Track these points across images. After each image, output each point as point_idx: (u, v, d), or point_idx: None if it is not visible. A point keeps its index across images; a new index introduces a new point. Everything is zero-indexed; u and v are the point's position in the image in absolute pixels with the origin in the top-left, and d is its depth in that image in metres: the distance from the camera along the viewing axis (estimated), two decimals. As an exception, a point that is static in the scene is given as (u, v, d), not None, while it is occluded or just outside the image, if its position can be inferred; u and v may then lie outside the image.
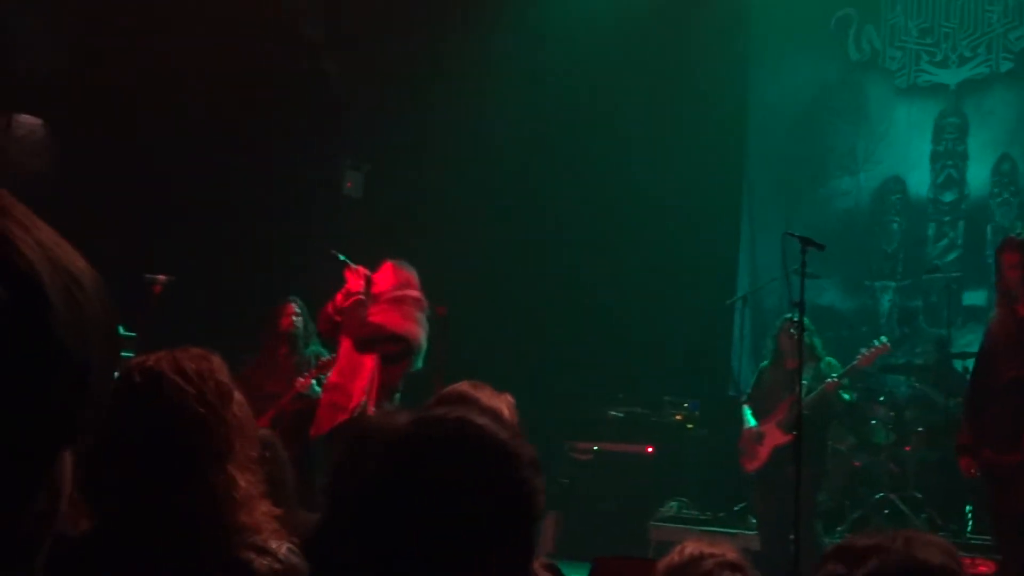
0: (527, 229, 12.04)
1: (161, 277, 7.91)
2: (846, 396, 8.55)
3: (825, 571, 1.86)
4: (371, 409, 7.03)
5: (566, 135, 12.21)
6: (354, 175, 11.86)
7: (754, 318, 11.61)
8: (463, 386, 3.00)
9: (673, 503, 10.59)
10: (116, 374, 2.05)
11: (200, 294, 9.12)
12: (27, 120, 10.02)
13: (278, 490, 2.66)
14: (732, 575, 2.34)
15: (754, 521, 9.60)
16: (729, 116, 12.68)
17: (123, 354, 8.49)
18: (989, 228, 11.44)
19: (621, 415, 11.31)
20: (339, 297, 7.54)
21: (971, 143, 11.72)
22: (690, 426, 11.24)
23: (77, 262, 1.11)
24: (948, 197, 11.79)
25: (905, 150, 12.12)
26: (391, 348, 7.29)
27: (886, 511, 9.37)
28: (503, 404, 2.96)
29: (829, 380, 8.29)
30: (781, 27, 12.87)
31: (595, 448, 10.88)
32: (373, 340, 7.26)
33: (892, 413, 9.89)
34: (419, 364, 7.44)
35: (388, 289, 7.46)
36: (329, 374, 7.69)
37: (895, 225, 12.09)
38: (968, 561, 8.15)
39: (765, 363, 8.99)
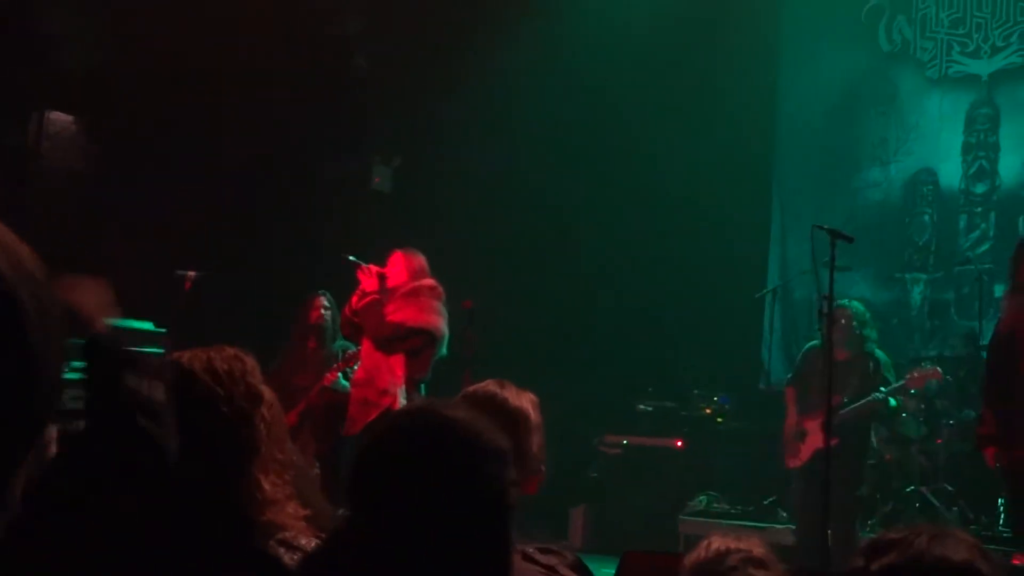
0: (556, 223, 12.03)
1: (191, 272, 7.95)
2: (892, 402, 8.49)
3: (850, 566, 1.87)
4: (401, 403, 7.08)
5: (595, 129, 12.19)
6: (382, 170, 11.89)
7: (784, 311, 11.57)
8: (489, 385, 3.00)
9: (703, 497, 10.57)
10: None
11: (230, 289, 9.17)
12: (59, 117, 10.09)
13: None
14: (757, 571, 2.34)
15: (784, 515, 9.57)
16: (759, 108, 12.62)
17: (153, 350, 8.58)
18: (1021, 220, 11.34)
19: (651, 409, 11.30)
20: (354, 299, 7.61)
21: (1003, 134, 11.62)
22: (720, 420, 11.22)
23: (30, 258, 1.19)
24: (980, 188, 11.70)
25: (936, 141, 12.03)
26: (414, 343, 7.36)
27: (917, 504, 9.32)
28: (527, 402, 2.95)
29: (874, 400, 8.22)
30: (812, 18, 12.81)
31: (624, 442, 10.87)
32: (395, 338, 7.35)
33: (923, 406, 9.83)
34: (443, 351, 7.52)
35: (403, 282, 7.52)
36: (356, 370, 7.75)
37: (926, 217, 12.01)
38: (1001, 554, 8.10)
39: (814, 343, 8.74)
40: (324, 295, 8.52)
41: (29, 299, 1.14)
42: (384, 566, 1.80)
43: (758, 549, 2.40)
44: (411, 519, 1.80)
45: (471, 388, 2.98)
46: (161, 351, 8.14)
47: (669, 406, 11.30)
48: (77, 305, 2.01)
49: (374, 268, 7.59)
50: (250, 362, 2.51)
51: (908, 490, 9.48)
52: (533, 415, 2.92)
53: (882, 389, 8.27)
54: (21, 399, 1.10)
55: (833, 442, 7.53)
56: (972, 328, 10.27)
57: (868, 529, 8.84)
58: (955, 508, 9.22)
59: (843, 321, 8.12)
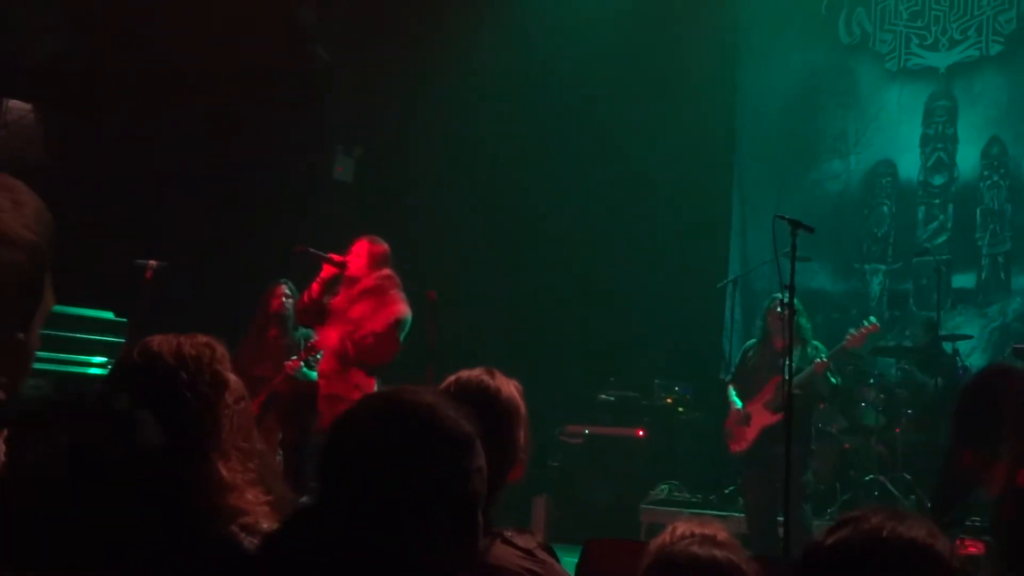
0: (518, 214, 12.04)
1: (152, 262, 7.89)
2: (833, 379, 8.56)
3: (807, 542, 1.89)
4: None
5: (556, 121, 12.20)
6: (345, 160, 11.85)
7: (744, 301, 11.64)
8: (481, 374, 2.97)
9: (664, 486, 10.62)
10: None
11: (191, 279, 9.12)
12: (17, 105, 9.99)
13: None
14: (720, 551, 2.37)
15: (742, 502, 9.65)
16: (720, 100, 12.68)
17: (113, 339, 8.51)
18: (978, 211, 11.46)
19: (612, 399, 11.33)
20: (315, 286, 7.62)
21: (961, 126, 11.73)
22: (681, 409, 11.27)
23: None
24: (938, 180, 11.80)
25: (895, 133, 12.13)
26: (394, 335, 7.46)
27: (876, 493, 9.40)
28: (515, 390, 2.95)
29: (818, 361, 8.29)
30: (772, 10, 12.88)
31: (586, 432, 10.90)
32: (384, 340, 7.41)
33: (882, 396, 9.91)
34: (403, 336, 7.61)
35: (361, 269, 7.54)
36: (320, 360, 7.73)
37: (885, 208, 12.11)
38: (957, 542, 8.18)
39: (752, 341, 8.98)
40: (286, 283, 8.48)
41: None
42: (344, 548, 1.80)
43: (722, 534, 2.42)
44: (372, 502, 1.80)
45: (461, 375, 2.96)
46: (122, 340, 8.11)
47: (631, 396, 11.33)
48: None
49: (334, 256, 7.60)
50: (220, 350, 2.52)
51: (867, 479, 9.56)
52: (522, 404, 2.92)
53: (822, 356, 8.33)
54: None
55: (778, 417, 7.61)
56: (931, 318, 10.36)
57: (828, 517, 8.91)
58: (912, 496, 9.31)
59: (778, 310, 8.24)
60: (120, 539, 2.24)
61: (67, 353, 8.52)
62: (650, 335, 11.94)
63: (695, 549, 2.34)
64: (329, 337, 7.59)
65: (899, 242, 11.93)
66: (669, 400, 11.30)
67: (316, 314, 7.66)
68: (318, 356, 7.87)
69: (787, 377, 6.69)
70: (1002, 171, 11.40)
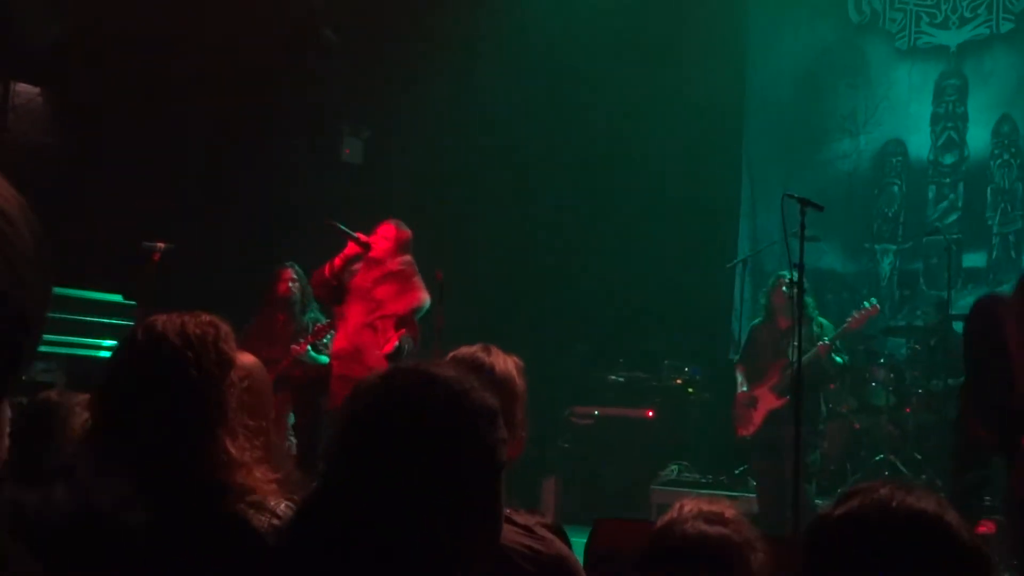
0: (527, 195, 12.03)
1: (160, 244, 7.88)
2: (839, 359, 8.55)
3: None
4: None
5: (564, 102, 12.18)
6: (353, 142, 11.84)
7: (754, 282, 11.61)
8: (476, 351, 2.98)
9: (674, 466, 10.62)
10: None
11: (199, 261, 9.12)
12: (25, 88, 9.99)
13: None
14: (728, 527, 2.36)
15: (754, 484, 9.64)
16: (729, 80, 12.62)
17: (121, 322, 8.51)
18: (989, 190, 11.42)
19: (622, 380, 11.34)
20: (337, 261, 7.62)
21: (971, 105, 11.68)
22: (691, 390, 11.26)
23: (2, 191, 1.13)
24: (948, 159, 11.76)
25: (905, 112, 12.08)
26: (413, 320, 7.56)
27: (886, 472, 9.39)
28: (513, 368, 2.94)
29: (821, 343, 8.28)
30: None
31: (596, 413, 10.91)
32: (407, 319, 7.49)
33: (892, 375, 9.90)
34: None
35: (386, 252, 7.56)
36: (333, 339, 7.75)
37: (895, 188, 12.07)
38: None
39: (757, 320, 8.99)
40: (292, 267, 8.47)
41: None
42: (376, 523, 1.79)
43: (729, 511, 2.42)
44: (401, 477, 1.78)
45: (458, 352, 2.97)
46: (131, 323, 8.11)
47: (640, 377, 11.33)
48: None
49: (360, 236, 7.61)
50: (224, 328, 2.52)
51: (877, 459, 9.55)
52: (519, 381, 2.92)
53: (826, 339, 8.33)
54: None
55: (784, 401, 7.61)
56: (941, 297, 10.34)
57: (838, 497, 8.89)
58: (923, 476, 9.30)
59: (783, 289, 8.25)
60: (132, 519, 2.24)
61: (76, 336, 8.53)
62: (660, 316, 11.92)
63: (702, 526, 2.34)
64: (352, 314, 7.61)
65: (909, 222, 11.89)
66: (679, 381, 11.29)
67: (333, 289, 7.69)
68: (326, 340, 7.87)
69: (796, 356, 6.68)
70: (1013, 150, 11.35)
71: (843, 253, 12.00)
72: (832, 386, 9.49)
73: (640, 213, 12.12)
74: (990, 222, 11.38)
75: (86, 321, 8.63)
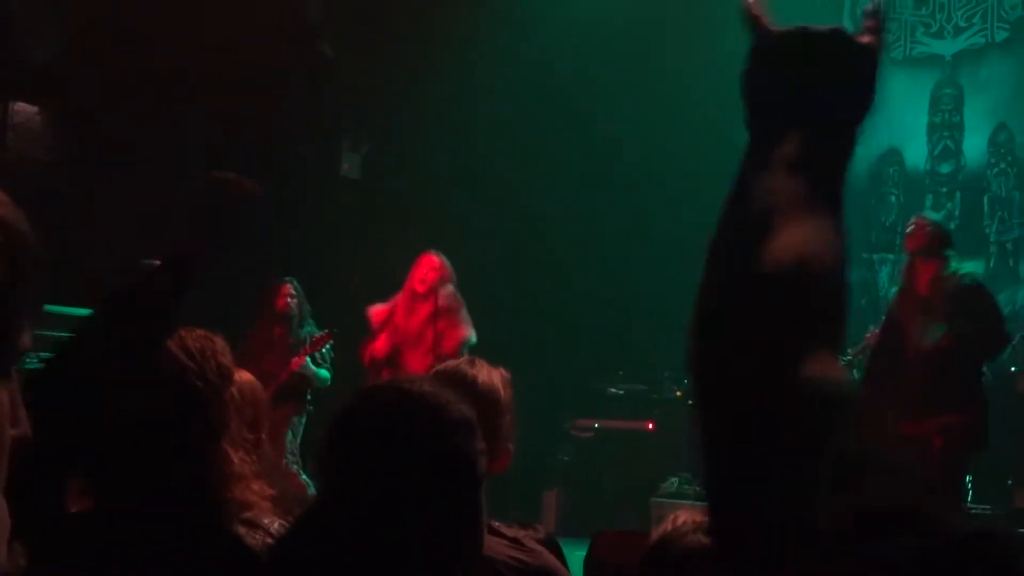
0: (526, 208, 12.03)
1: (158, 262, 7.88)
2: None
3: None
4: None
5: (562, 114, 12.18)
6: (351, 157, 11.86)
7: (754, 293, 11.62)
8: (461, 364, 3.00)
9: (674, 479, 10.60)
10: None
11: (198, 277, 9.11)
12: (23, 107, 10.01)
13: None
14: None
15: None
16: (726, 89, 12.49)
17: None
18: (986, 199, 11.44)
19: (622, 392, 11.34)
20: (380, 347, 7.59)
21: (968, 114, 11.71)
22: (691, 401, 11.24)
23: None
24: (945, 168, 11.78)
25: (902, 122, 12.10)
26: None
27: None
28: (498, 380, 2.96)
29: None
30: (776, 1, 12.84)
31: (596, 425, 10.91)
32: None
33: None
34: None
35: (433, 285, 7.54)
36: (331, 352, 7.77)
37: (893, 197, 12.10)
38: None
39: None
40: (291, 282, 8.49)
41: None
42: (358, 541, 1.81)
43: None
44: (383, 492, 1.80)
45: (442, 366, 2.99)
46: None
47: (640, 389, 11.34)
48: None
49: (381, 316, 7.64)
50: (219, 342, 2.56)
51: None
52: (503, 392, 2.93)
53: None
54: None
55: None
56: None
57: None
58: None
59: None
60: (130, 532, 2.26)
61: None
62: (659, 328, 11.90)
63: (698, 538, 2.35)
64: (411, 362, 7.57)
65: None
66: (679, 393, 11.29)
67: (388, 362, 7.68)
68: (325, 351, 7.89)
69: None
70: (1009, 158, 11.37)
71: (842, 264, 12.00)
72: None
73: (639, 223, 12.13)
74: (987, 231, 11.40)
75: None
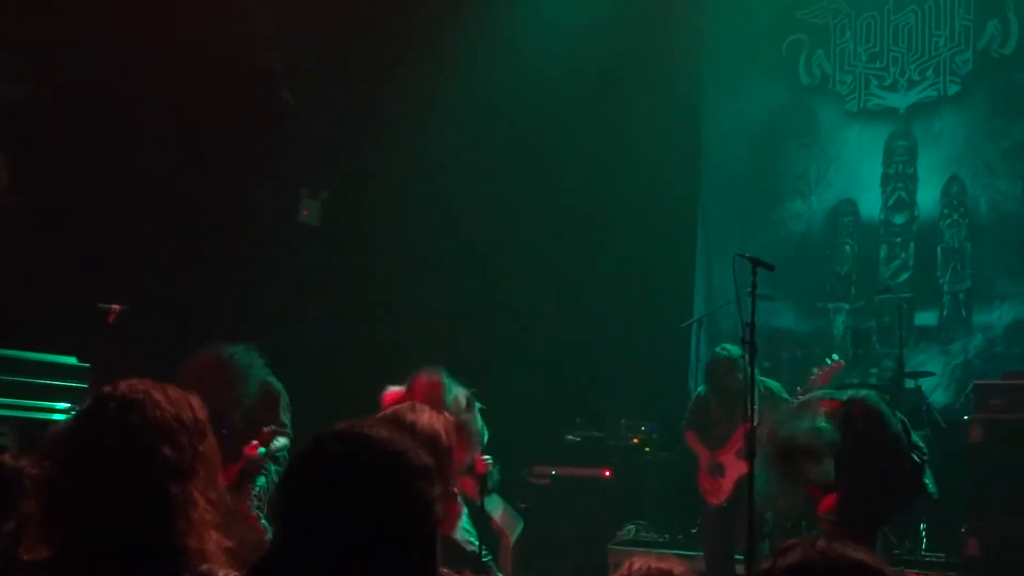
0: (482, 255, 12.06)
1: (115, 306, 7.83)
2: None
3: (759, 569, 1.92)
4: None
5: (521, 163, 12.25)
6: (310, 203, 11.85)
7: (709, 341, 11.67)
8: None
9: (631, 526, 10.61)
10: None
11: (155, 323, 9.07)
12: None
13: None
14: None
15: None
16: (684, 140, 12.77)
17: (75, 384, 8.39)
18: (939, 249, 11.57)
19: (578, 439, 11.33)
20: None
21: (921, 165, 11.86)
22: (647, 449, 11.28)
23: None
24: (899, 219, 11.91)
25: (856, 173, 12.25)
26: None
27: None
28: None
29: (788, 404, 8.30)
30: (735, 51, 13.02)
31: (553, 472, 10.89)
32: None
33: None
34: None
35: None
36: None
37: (847, 247, 12.21)
38: (922, 577, 8.28)
39: (701, 389, 9.07)
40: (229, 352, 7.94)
41: None
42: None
43: (678, 568, 2.45)
44: (341, 539, 1.80)
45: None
46: (85, 386, 8.03)
47: (597, 436, 11.34)
48: None
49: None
50: (197, 401, 2.56)
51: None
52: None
53: (788, 398, 8.39)
54: None
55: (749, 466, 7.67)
56: (894, 356, 10.44)
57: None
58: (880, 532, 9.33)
59: (722, 370, 8.37)
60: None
61: (29, 399, 8.43)
62: (616, 375, 11.96)
63: None
64: (466, 487, 7.41)
65: (861, 280, 12.02)
66: (635, 440, 11.31)
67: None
68: (277, 442, 7.57)
69: (751, 418, 6.72)
70: (961, 209, 11.52)
71: (797, 312, 12.11)
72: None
73: (595, 271, 12.19)
74: (941, 281, 11.53)
75: (39, 383, 8.53)
